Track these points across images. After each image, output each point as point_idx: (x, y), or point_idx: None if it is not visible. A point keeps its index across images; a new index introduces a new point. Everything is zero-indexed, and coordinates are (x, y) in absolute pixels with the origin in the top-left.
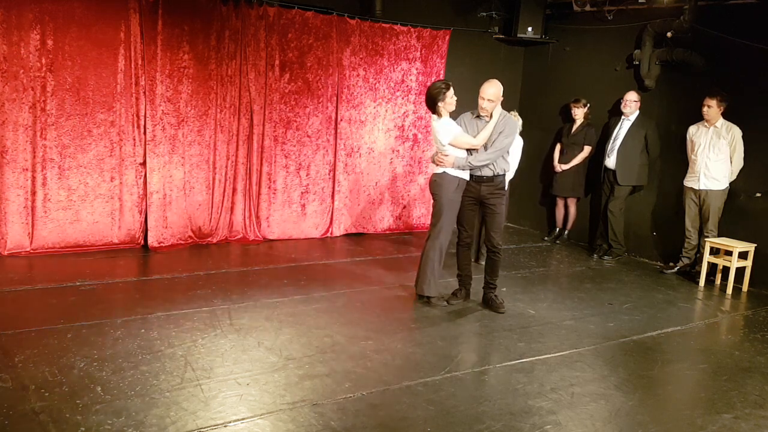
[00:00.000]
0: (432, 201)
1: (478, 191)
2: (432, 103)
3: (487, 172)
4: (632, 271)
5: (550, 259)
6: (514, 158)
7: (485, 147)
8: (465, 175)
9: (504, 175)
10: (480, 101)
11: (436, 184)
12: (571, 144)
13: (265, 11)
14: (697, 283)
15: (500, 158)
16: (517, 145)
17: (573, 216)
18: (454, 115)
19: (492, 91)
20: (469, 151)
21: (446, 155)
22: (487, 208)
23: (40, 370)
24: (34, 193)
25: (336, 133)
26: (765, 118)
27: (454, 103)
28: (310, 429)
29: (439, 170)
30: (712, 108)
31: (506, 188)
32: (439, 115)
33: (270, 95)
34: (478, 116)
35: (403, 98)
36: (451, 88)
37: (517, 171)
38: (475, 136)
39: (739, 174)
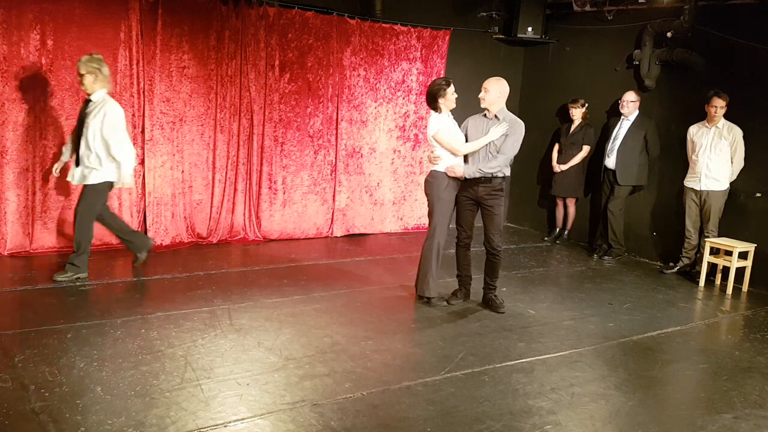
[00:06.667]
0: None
1: (475, 192)
2: (432, 99)
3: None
4: (632, 271)
5: (550, 259)
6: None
7: (490, 152)
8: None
9: (503, 177)
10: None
11: (428, 183)
12: (570, 144)
13: (265, 11)
14: (697, 283)
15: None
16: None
17: (572, 216)
18: (456, 114)
19: (491, 82)
20: (466, 158)
21: (452, 166)
22: (485, 209)
23: (40, 370)
24: (34, 193)
25: (337, 133)
26: (765, 118)
27: (455, 100)
28: (310, 429)
29: (435, 168)
30: (720, 109)
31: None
32: (439, 111)
33: (270, 95)
34: (484, 115)
35: (404, 98)
36: (452, 85)
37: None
38: (482, 135)
39: (739, 174)
